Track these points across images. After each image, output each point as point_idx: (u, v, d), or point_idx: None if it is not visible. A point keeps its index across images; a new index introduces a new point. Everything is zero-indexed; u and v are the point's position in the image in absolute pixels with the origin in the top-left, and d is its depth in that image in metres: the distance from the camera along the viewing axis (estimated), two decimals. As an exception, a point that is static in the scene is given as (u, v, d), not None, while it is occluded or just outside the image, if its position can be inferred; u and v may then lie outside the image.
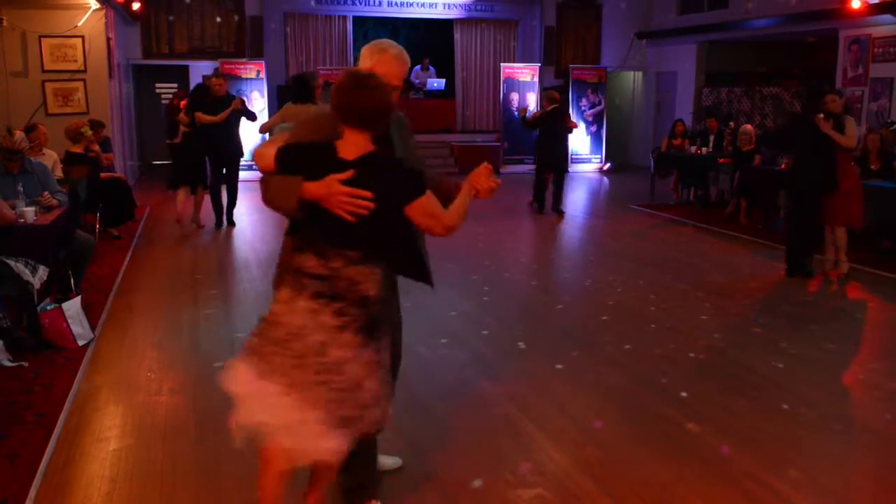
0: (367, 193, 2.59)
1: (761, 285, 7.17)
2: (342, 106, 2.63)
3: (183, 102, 12.62)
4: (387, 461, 3.49)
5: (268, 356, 2.58)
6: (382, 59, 2.88)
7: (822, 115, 7.07)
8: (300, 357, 2.55)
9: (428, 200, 2.70)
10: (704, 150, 11.97)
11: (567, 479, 3.50)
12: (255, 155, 2.85)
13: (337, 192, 2.58)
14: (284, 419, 2.53)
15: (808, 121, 7.20)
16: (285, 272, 2.76)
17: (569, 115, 12.26)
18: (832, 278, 7.35)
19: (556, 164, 11.27)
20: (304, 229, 2.73)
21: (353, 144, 2.66)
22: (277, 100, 15.00)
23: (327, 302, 2.58)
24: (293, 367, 2.54)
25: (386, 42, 2.95)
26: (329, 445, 2.56)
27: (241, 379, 2.60)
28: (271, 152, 2.75)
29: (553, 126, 11.21)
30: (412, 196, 2.67)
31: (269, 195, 2.80)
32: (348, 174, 2.59)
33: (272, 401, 2.53)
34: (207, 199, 9.79)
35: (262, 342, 2.62)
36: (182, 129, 9.70)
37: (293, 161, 2.71)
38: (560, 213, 11.08)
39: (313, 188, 2.61)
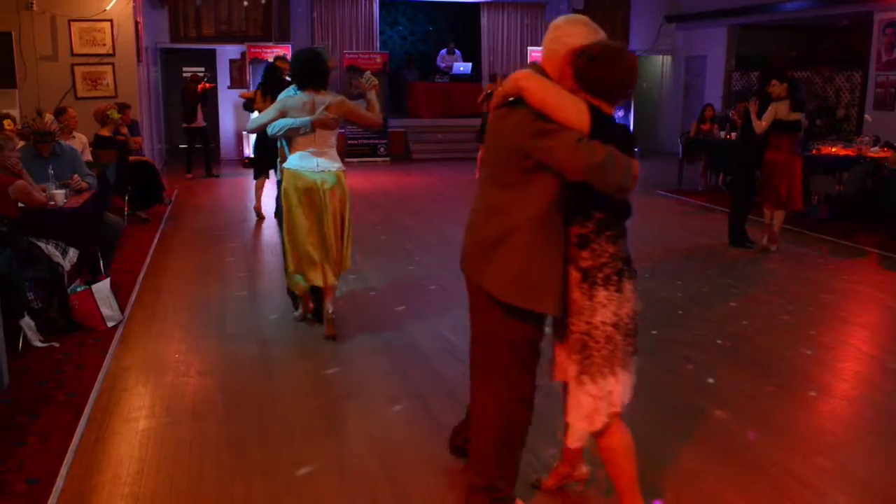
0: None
1: (791, 272, 7.08)
2: (602, 79, 2.75)
3: (202, 86, 12.71)
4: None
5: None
6: (600, 38, 2.88)
7: (753, 100, 7.57)
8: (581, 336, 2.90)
9: None
10: (734, 135, 11.81)
11: (591, 464, 3.48)
12: (557, 107, 2.67)
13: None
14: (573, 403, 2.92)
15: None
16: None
17: None
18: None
19: None
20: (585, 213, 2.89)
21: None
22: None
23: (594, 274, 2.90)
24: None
25: (591, 21, 2.94)
26: (597, 416, 2.92)
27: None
28: (582, 113, 2.66)
29: None
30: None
31: (623, 174, 2.76)
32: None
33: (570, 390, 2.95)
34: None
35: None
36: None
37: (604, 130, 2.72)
38: None
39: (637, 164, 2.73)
